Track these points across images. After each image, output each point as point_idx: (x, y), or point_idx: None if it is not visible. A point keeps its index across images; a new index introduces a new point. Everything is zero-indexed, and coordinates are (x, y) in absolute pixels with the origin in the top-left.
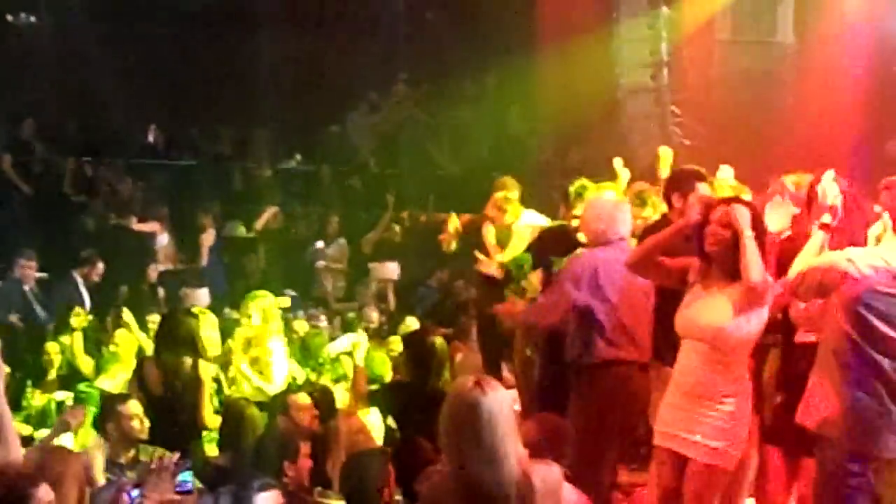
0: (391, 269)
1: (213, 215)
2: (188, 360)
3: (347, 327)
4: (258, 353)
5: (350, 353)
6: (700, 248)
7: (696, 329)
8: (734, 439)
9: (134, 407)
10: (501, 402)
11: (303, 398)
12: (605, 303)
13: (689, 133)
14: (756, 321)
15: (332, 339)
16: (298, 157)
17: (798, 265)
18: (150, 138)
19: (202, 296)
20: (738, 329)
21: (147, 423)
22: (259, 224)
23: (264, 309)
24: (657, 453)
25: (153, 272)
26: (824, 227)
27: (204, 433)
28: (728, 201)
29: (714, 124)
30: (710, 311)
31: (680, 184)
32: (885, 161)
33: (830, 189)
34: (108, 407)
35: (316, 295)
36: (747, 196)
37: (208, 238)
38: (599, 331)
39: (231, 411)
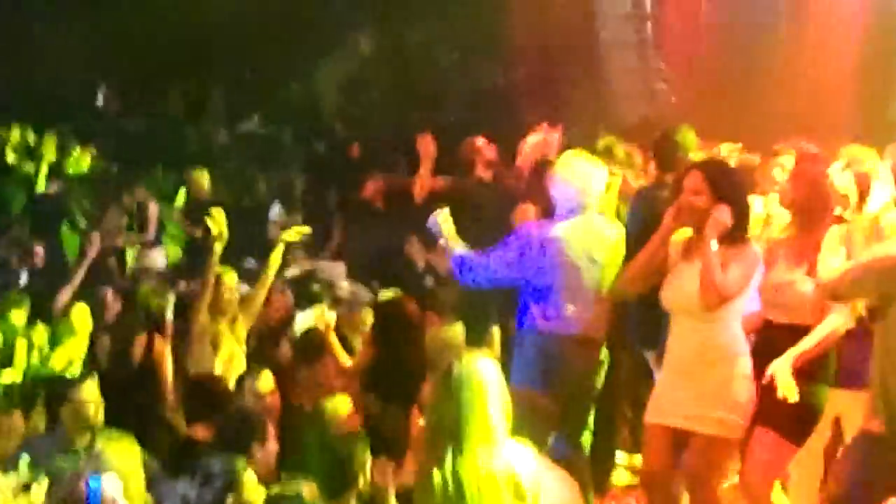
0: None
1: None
2: (143, 336)
3: (313, 299)
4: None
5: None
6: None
7: (683, 298)
8: (741, 406)
9: (88, 391)
10: (479, 368)
11: (265, 381)
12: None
13: (677, 90)
14: (739, 273)
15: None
16: (257, 118)
17: (828, 264)
18: (100, 100)
19: (158, 257)
20: (724, 284)
21: (102, 406)
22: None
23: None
24: (648, 432)
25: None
26: (838, 219)
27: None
28: (697, 165)
29: (704, 80)
30: (694, 276)
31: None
32: (888, 119)
33: (840, 179)
34: (61, 391)
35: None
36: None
37: (154, 208)
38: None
39: (199, 388)
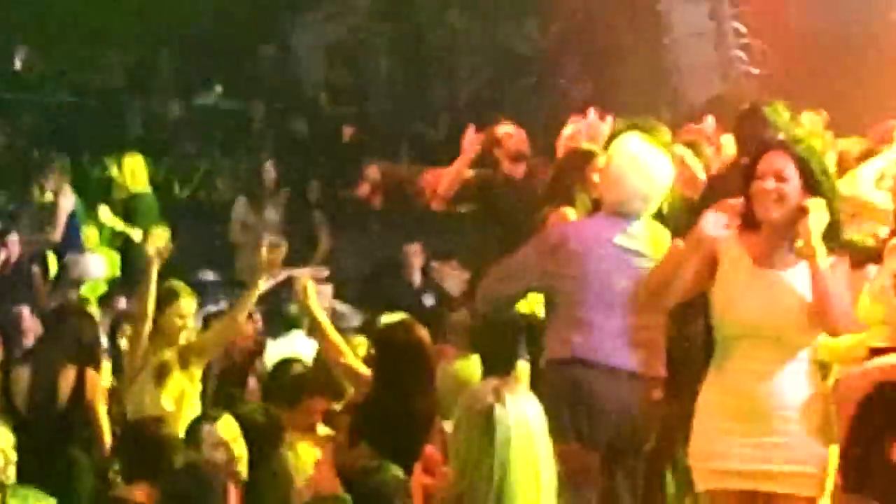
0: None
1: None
2: (72, 369)
3: (290, 323)
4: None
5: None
6: (747, 216)
7: (766, 320)
8: (821, 457)
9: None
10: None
11: (226, 427)
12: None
13: (759, 61)
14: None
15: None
16: (219, 89)
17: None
18: (17, 65)
19: (93, 264)
20: (847, 302)
21: (14, 458)
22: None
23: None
24: (710, 501)
25: (13, 246)
26: None
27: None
28: (782, 144)
29: (791, 49)
30: (780, 294)
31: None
32: None
33: None
34: None
35: (243, 278)
36: (831, 153)
37: (65, 202)
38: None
39: (138, 435)
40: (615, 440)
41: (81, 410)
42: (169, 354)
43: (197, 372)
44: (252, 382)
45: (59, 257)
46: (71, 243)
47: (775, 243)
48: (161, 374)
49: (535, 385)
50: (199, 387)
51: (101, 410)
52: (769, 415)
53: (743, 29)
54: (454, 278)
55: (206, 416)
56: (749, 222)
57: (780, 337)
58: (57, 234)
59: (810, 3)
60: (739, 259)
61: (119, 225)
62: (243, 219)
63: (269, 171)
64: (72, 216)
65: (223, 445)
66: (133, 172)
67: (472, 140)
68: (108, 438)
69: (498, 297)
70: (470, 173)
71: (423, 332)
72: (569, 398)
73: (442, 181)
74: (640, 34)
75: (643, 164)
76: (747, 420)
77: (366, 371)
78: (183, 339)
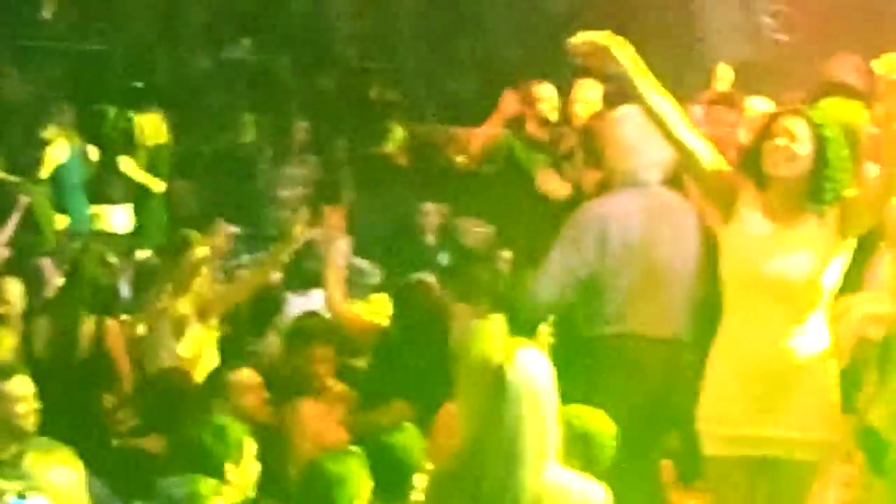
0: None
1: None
2: (90, 318)
3: (310, 281)
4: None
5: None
6: (755, 171)
7: (775, 280)
8: (833, 422)
9: (18, 385)
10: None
11: (248, 375)
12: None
13: (789, 26)
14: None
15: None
16: (247, 42)
17: None
18: (45, 13)
19: (116, 216)
20: (830, 276)
21: (35, 406)
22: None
23: None
24: (717, 466)
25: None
26: None
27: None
28: (799, 110)
29: (825, 14)
30: (790, 252)
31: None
32: None
33: None
34: None
35: (271, 233)
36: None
37: (54, 152)
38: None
39: (154, 387)
40: (661, 411)
41: (102, 360)
42: (185, 305)
43: (214, 322)
44: (270, 335)
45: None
46: (71, 195)
47: (786, 200)
48: (178, 324)
49: (577, 356)
50: (216, 336)
51: (123, 360)
52: (777, 378)
53: None
54: (475, 234)
55: (224, 368)
56: (760, 182)
57: (789, 294)
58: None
59: None
60: (752, 214)
61: (140, 176)
62: (269, 173)
63: (299, 129)
64: (70, 167)
65: (250, 391)
66: (153, 125)
67: (509, 101)
68: (126, 390)
69: (550, 303)
70: (497, 132)
71: (439, 292)
72: (626, 372)
73: (474, 139)
74: (676, 6)
75: (653, 131)
76: (755, 383)
77: (373, 324)
78: (196, 287)
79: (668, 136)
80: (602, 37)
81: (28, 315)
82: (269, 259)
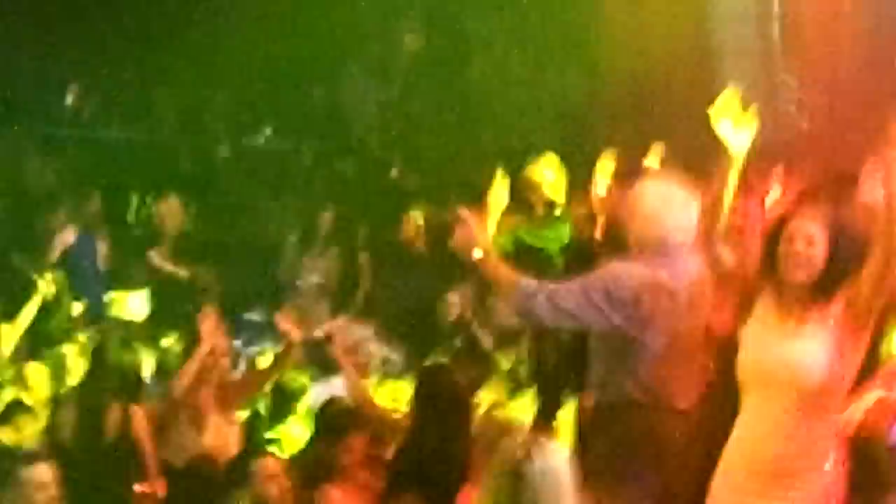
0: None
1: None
2: (117, 404)
3: (330, 367)
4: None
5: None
6: (771, 275)
7: (778, 370)
8: None
9: (41, 473)
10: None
11: (272, 463)
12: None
13: (811, 113)
14: (855, 356)
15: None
16: (269, 130)
17: None
18: (70, 100)
19: (134, 302)
20: (835, 367)
21: (56, 494)
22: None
23: None
24: None
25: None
26: None
27: None
28: (807, 197)
29: (846, 100)
30: (795, 344)
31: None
32: None
33: None
34: (7, 470)
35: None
36: None
37: (62, 237)
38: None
39: (184, 475)
40: (674, 484)
41: (128, 447)
42: (206, 395)
43: (237, 410)
44: (293, 422)
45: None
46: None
47: (800, 297)
48: (199, 414)
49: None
50: (239, 424)
51: (148, 447)
52: (778, 471)
53: (793, 81)
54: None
55: (253, 451)
56: (776, 284)
57: (792, 390)
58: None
59: (867, 56)
60: (766, 316)
61: (168, 266)
62: (292, 260)
63: (326, 218)
64: (82, 253)
65: (273, 479)
66: (173, 211)
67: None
68: (154, 477)
69: (538, 319)
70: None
71: (461, 377)
72: (645, 442)
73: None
74: (691, 82)
75: (677, 197)
76: (754, 475)
77: (397, 415)
78: (216, 377)
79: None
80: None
81: (53, 401)
82: (283, 355)
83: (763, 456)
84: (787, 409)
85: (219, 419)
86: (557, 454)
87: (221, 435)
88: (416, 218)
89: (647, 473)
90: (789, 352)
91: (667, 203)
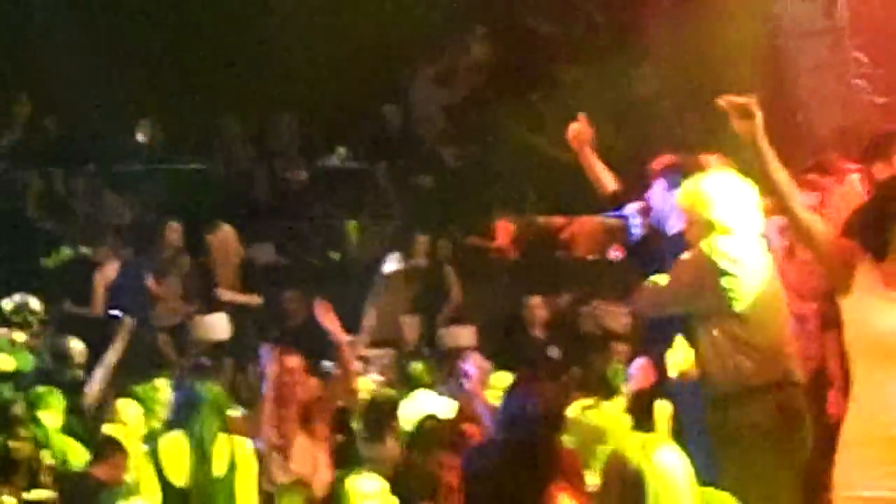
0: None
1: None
2: (222, 436)
3: (414, 382)
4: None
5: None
6: (875, 241)
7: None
8: None
9: None
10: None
11: (371, 483)
12: None
13: (882, 89)
14: None
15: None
16: (342, 150)
17: None
18: (141, 137)
19: (218, 325)
20: None
21: None
22: None
23: None
24: None
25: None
26: None
27: None
28: None
29: None
30: None
31: (882, 149)
32: None
33: None
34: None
35: (384, 338)
36: None
37: (103, 273)
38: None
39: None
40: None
41: (236, 479)
42: (290, 413)
43: (322, 428)
44: (390, 441)
45: None
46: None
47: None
48: (284, 436)
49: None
50: (326, 447)
51: (251, 478)
52: None
53: (863, 58)
54: (615, 315)
55: (351, 473)
56: (879, 251)
57: None
58: (95, 307)
59: None
60: (873, 286)
61: (240, 298)
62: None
63: (419, 242)
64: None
65: (373, 500)
66: (228, 239)
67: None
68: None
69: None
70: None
71: (550, 387)
72: (783, 420)
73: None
74: (762, 71)
75: (737, 182)
76: (885, 447)
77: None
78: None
79: (784, 206)
80: (747, 100)
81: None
82: (339, 357)
83: (889, 426)
84: None
85: (306, 440)
86: (676, 456)
87: (310, 456)
88: (506, 226)
89: (783, 454)
90: None
91: (727, 188)
